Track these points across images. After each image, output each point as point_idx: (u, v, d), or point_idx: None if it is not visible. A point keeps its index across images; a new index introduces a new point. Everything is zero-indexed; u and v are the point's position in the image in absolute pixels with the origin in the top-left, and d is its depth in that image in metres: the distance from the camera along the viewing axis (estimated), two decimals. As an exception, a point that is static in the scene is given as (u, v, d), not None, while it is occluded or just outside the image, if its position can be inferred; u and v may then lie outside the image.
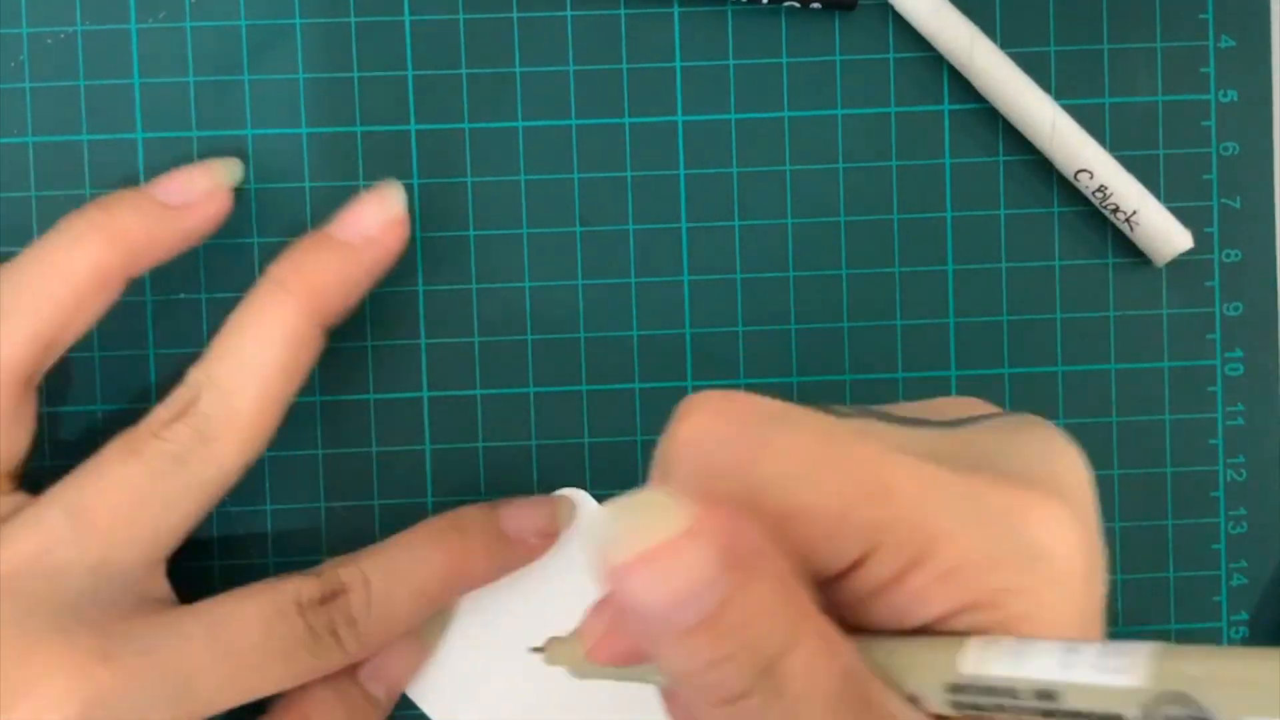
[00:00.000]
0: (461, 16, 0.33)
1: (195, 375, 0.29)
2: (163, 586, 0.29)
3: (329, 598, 0.28)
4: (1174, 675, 0.17)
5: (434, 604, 0.30)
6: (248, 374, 0.28)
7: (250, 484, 0.33)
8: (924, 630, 0.20)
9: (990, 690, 0.19)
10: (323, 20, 0.33)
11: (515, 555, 0.32)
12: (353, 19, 0.33)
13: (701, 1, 0.33)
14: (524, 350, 0.33)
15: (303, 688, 0.29)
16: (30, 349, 0.28)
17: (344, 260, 0.30)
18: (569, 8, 0.33)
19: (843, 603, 0.20)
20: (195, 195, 0.30)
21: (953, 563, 0.19)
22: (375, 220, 0.30)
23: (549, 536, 0.32)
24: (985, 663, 0.18)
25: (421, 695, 0.32)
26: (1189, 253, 0.33)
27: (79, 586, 0.27)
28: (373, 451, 0.33)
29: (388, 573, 0.29)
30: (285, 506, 0.33)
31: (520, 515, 0.32)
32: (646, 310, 0.33)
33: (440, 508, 0.33)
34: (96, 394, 0.33)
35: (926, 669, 0.19)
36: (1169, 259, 0.33)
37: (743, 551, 0.17)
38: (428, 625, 0.32)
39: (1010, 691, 0.18)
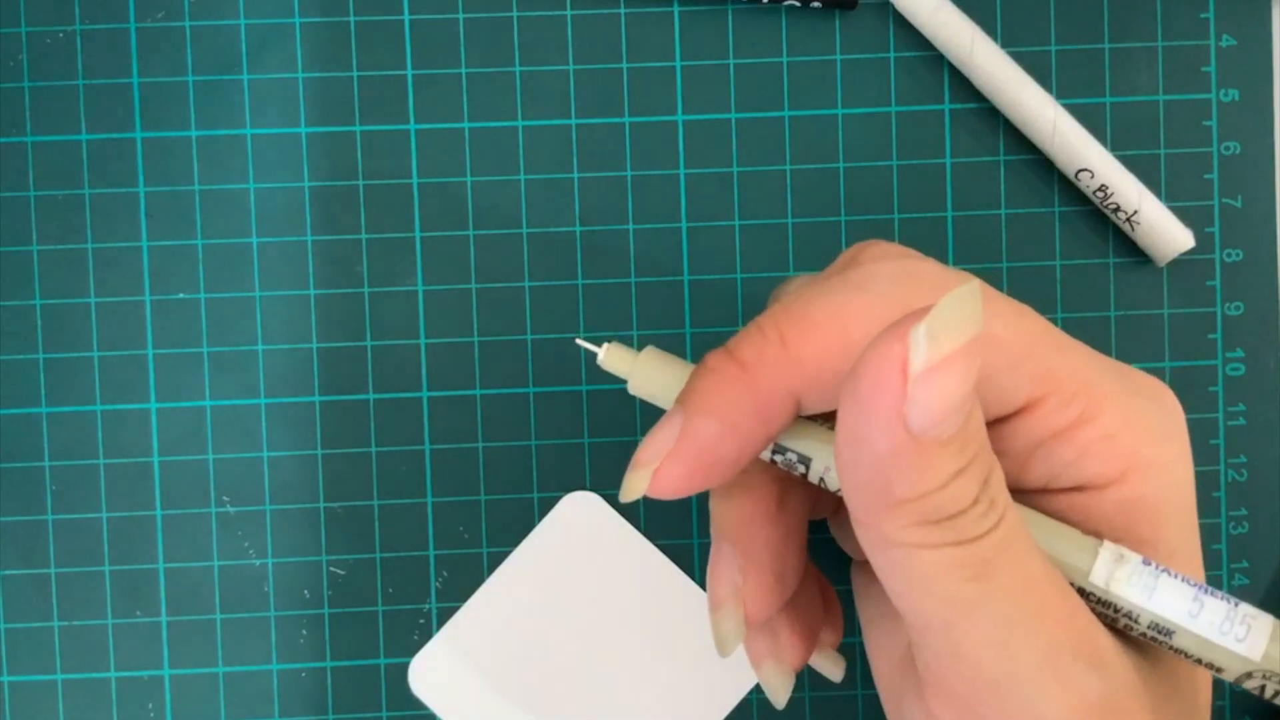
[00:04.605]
0: (461, 16, 0.33)
1: None
2: None
3: None
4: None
5: None
6: None
7: (250, 484, 0.33)
8: (1076, 490, 0.21)
9: (1111, 605, 0.20)
10: (322, 19, 0.33)
11: None
12: (352, 18, 0.33)
13: (701, 1, 0.33)
14: (524, 350, 0.33)
15: None
16: None
17: None
18: (569, 7, 0.33)
19: (1007, 452, 0.22)
20: None
21: (1117, 427, 0.21)
22: None
23: None
24: (1117, 582, 0.20)
25: (424, 689, 0.32)
26: (1190, 252, 0.33)
27: None
28: (373, 451, 0.33)
29: None
30: (285, 506, 0.33)
31: None
32: (647, 310, 0.33)
33: (440, 508, 0.33)
34: (97, 394, 0.33)
35: (1060, 565, 0.21)
36: (1170, 258, 0.33)
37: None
38: None
39: (1130, 614, 0.20)
